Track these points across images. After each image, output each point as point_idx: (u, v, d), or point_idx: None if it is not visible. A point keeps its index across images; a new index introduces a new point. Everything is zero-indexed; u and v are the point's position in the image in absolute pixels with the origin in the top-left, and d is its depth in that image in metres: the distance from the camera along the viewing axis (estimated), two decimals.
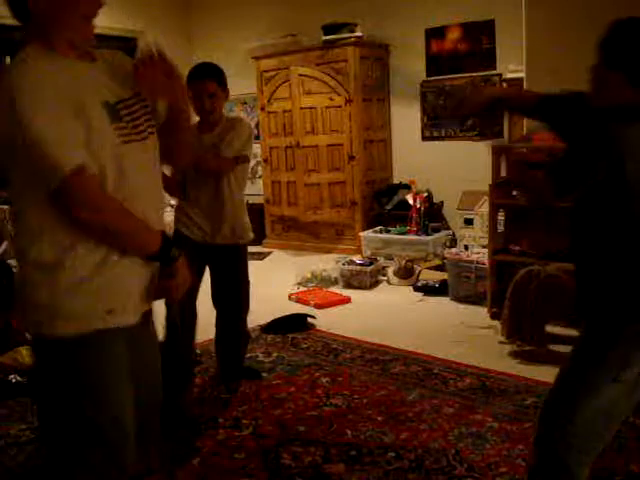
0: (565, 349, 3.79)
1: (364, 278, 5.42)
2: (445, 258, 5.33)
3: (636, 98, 1.77)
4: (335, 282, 5.53)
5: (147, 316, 1.78)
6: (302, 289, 5.39)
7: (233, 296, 3.44)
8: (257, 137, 7.68)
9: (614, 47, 1.84)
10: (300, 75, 6.82)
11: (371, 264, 5.54)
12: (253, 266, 6.43)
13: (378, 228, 6.33)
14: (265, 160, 7.37)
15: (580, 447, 1.79)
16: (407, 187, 6.41)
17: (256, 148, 7.74)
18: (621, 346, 1.73)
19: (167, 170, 2.61)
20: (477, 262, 4.78)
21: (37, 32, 1.60)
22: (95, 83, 1.64)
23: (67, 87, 1.55)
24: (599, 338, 1.78)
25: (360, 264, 5.55)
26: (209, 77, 3.15)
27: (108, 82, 1.69)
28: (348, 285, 5.44)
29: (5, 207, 5.68)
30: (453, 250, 5.35)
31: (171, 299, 1.78)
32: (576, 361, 1.84)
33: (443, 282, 5.12)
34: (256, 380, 3.53)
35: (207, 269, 3.43)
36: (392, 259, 5.75)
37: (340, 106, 6.62)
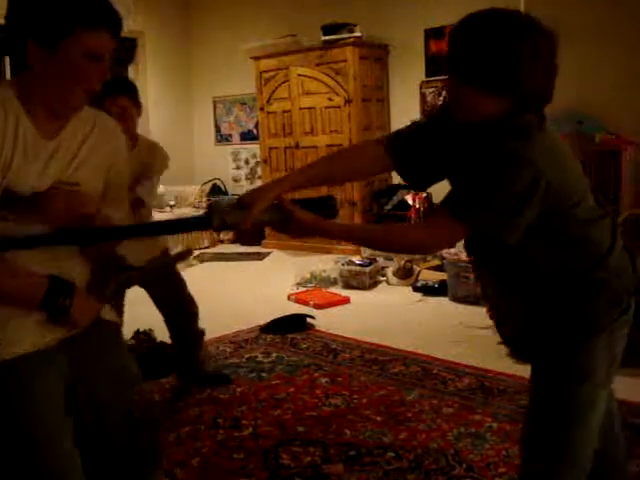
0: None
1: (363, 278, 5.42)
2: (444, 258, 5.33)
3: (501, 106, 1.56)
4: (334, 282, 5.54)
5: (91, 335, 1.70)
6: (301, 289, 5.39)
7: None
8: (256, 138, 7.70)
9: (463, 58, 1.55)
10: (299, 75, 6.83)
11: (370, 264, 5.54)
12: (252, 266, 6.48)
13: None
14: (264, 161, 7.37)
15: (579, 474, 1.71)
16: (406, 187, 6.41)
17: (255, 149, 7.79)
18: (595, 356, 1.65)
19: None
20: None
21: (25, 81, 1.49)
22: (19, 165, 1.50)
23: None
24: (571, 360, 1.65)
25: (359, 264, 5.55)
26: (121, 92, 3.00)
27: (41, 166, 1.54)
28: (347, 285, 5.44)
29: None
30: (452, 250, 5.34)
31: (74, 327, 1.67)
32: (552, 395, 1.69)
33: (442, 282, 5.12)
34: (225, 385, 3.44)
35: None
36: (391, 259, 5.75)
37: (339, 106, 6.63)
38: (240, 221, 1.59)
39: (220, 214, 1.59)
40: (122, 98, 3.00)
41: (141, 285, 3.25)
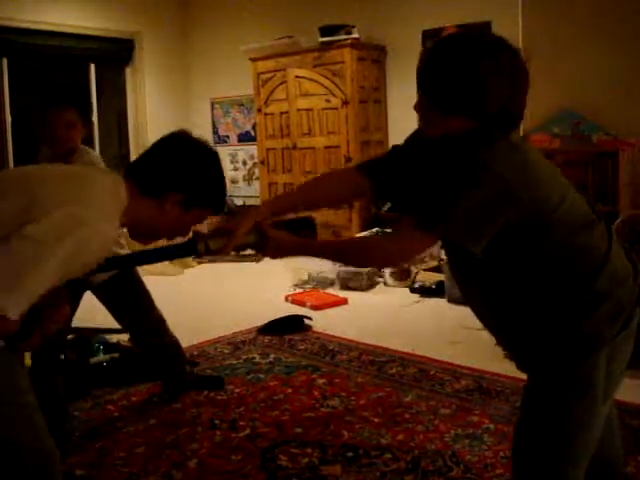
0: None
1: (361, 280, 5.42)
2: (441, 259, 5.33)
3: (469, 124, 1.59)
4: (332, 284, 5.54)
5: None
6: (299, 290, 5.39)
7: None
8: (254, 139, 7.70)
9: (431, 85, 1.59)
10: (297, 77, 6.83)
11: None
12: (250, 268, 6.47)
13: (374, 230, 6.33)
14: (262, 162, 7.37)
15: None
16: None
17: (253, 150, 7.79)
18: (596, 369, 1.61)
19: None
20: None
21: (141, 204, 1.68)
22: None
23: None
24: (571, 374, 1.61)
25: None
26: (68, 105, 2.76)
27: None
28: (345, 287, 5.44)
29: None
30: None
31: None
32: (549, 409, 1.65)
33: (439, 283, 5.12)
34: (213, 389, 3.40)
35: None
36: None
37: (337, 108, 6.63)
38: (223, 246, 1.73)
39: (204, 240, 1.73)
40: (69, 112, 2.77)
41: (102, 301, 3.12)
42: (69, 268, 1.51)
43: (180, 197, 1.69)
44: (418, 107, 1.64)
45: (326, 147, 6.74)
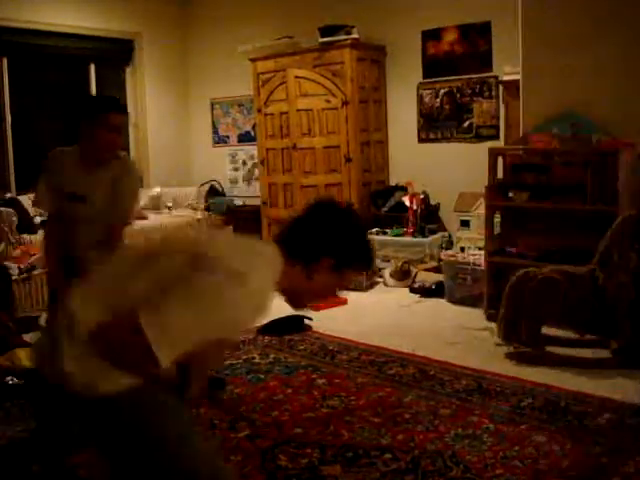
0: (561, 351, 3.80)
1: (361, 280, 5.42)
2: (441, 260, 5.33)
3: None
4: None
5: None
6: None
7: None
8: (253, 139, 7.70)
9: None
10: (297, 77, 6.83)
11: None
12: None
13: (374, 230, 6.33)
14: (262, 162, 7.37)
15: None
16: (403, 189, 6.41)
17: (253, 150, 7.78)
18: None
19: None
20: (473, 264, 4.79)
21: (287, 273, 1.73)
22: None
23: None
24: None
25: None
26: (119, 111, 3.12)
27: None
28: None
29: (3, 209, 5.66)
30: (449, 252, 5.35)
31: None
32: None
33: (439, 284, 5.13)
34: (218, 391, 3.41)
35: None
36: (388, 261, 5.76)
37: (337, 108, 6.62)
38: None
39: None
40: (122, 117, 3.12)
41: None
42: (223, 326, 1.57)
43: (332, 262, 1.79)
44: None
45: (326, 147, 6.74)
